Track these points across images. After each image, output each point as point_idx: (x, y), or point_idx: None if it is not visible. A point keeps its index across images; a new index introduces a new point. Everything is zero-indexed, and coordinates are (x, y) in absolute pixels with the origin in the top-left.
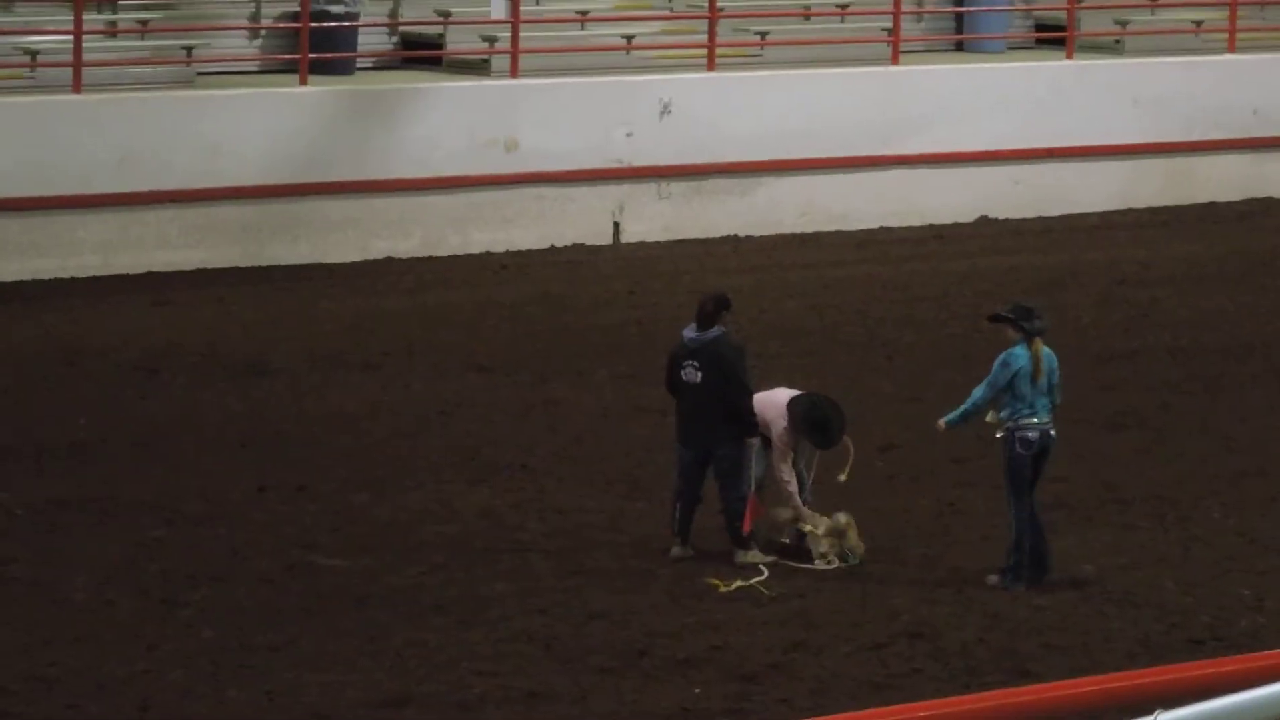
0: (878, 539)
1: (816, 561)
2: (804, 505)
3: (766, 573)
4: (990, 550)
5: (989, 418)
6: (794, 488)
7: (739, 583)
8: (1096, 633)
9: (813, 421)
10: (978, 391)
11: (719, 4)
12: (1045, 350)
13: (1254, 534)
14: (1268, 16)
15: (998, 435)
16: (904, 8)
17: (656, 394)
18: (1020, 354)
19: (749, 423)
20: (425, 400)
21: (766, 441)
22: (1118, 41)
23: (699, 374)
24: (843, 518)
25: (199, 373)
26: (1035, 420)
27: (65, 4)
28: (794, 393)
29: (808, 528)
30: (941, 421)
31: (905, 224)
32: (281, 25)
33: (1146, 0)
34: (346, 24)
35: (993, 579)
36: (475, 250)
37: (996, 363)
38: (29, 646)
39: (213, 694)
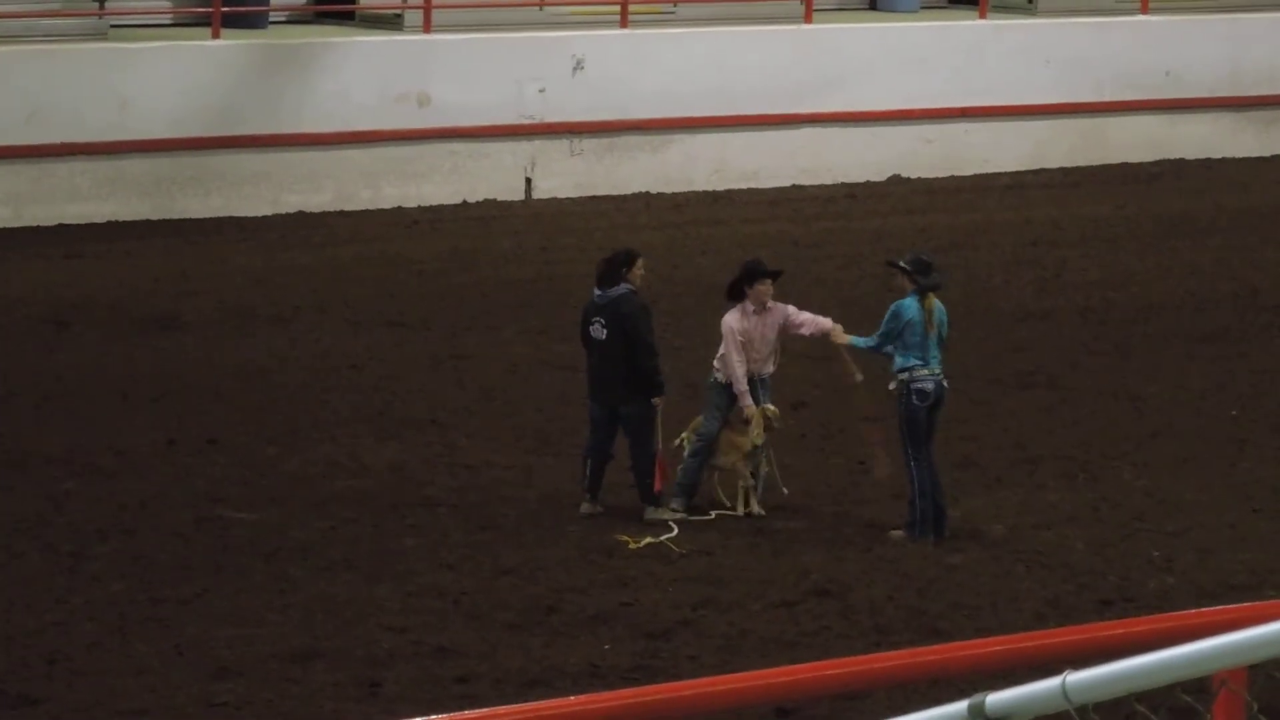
0: (789, 497)
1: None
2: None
3: (676, 530)
4: (901, 509)
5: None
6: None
7: (648, 539)
8: (1005, 593)
9: (749, 266)
10: (870, 340)
11: None
12: (937, 303)
13: (1163, 495)
14: None
15: (891, 388)
16: None
17: (566, 349)
18: (911, 305)
19: (655, 381)
20: (335, 355)
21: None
22: (1031, 1)
23: (604, 331)
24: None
25: (109, 326)
26: (928, 371)
27: None
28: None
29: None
30: (846, 338)
31: (817, 182)
32: None
33: None
34: None
35: (897, 534)
36: (387, 205)
37: (888, 313)
38: None
39: (121, 647)
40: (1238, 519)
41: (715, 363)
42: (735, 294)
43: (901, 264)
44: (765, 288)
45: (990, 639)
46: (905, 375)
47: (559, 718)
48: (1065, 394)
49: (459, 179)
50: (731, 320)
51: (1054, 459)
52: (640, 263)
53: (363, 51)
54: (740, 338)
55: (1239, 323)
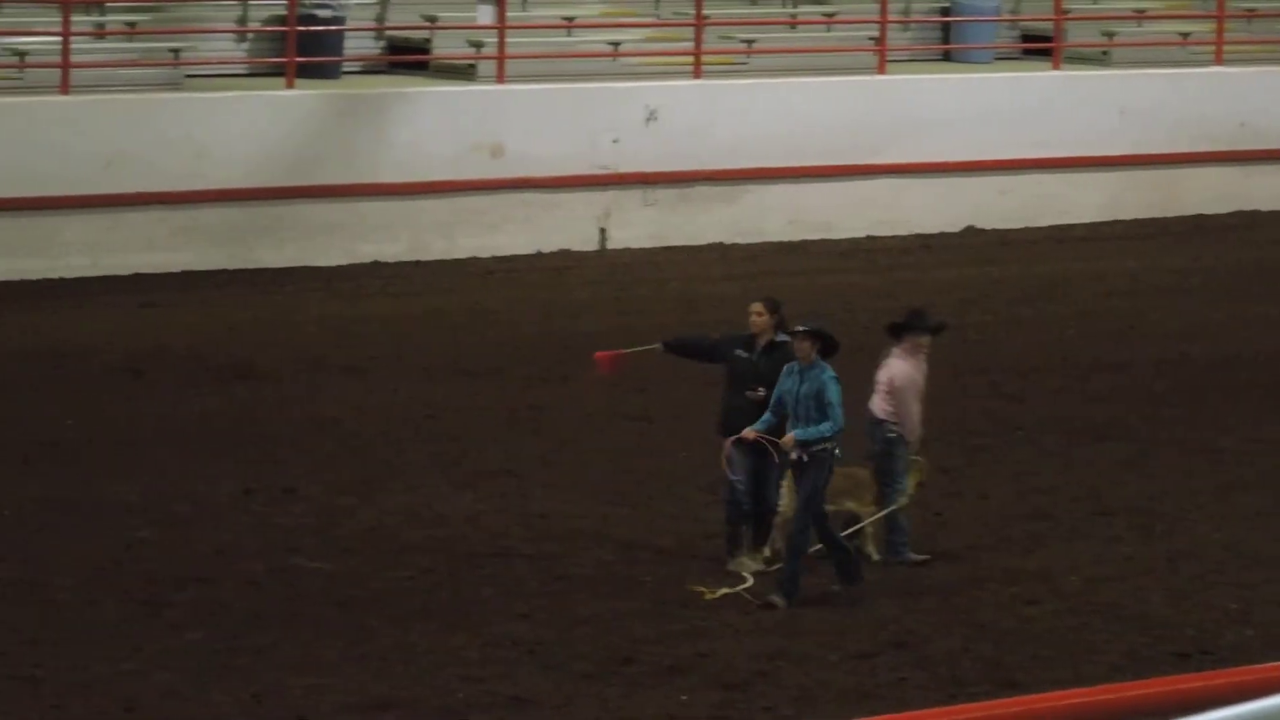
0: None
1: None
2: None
3: (751, 580)
4: (977, 559)
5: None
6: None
7: (724, 590)
8: (1082, 645)
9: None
10: (839, 415)
11: (705, 11)
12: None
13: (1239, 547)
14: (1254, 29)
15: (818, 450)
16: (890, 17)
17: (640, 401)
18: (828, 367)
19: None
20: (410, 404)
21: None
22: (1105, 53)
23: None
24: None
25: (185, 375)
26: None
27: (54, 5)
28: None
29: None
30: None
31: (892, 233)
32: (269, 28)
33: (1133, 12)
34: (333, 27)
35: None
36: (461, 255)
37: (835, 384)
38: (14, 647)
39: (197, 696)
40: None
41: (882, 413)
42: (896, 333)
43: (813, 329)
44: (925, 341)
45: (1068, 691)
46: (834, 441)
47: None
48: (1141, 446)
49: (533, 229)
50: (906, 369)
51: (1130, 511)
52: (751, 307)
53: (437, 102)
54: (915, 378)
55: None
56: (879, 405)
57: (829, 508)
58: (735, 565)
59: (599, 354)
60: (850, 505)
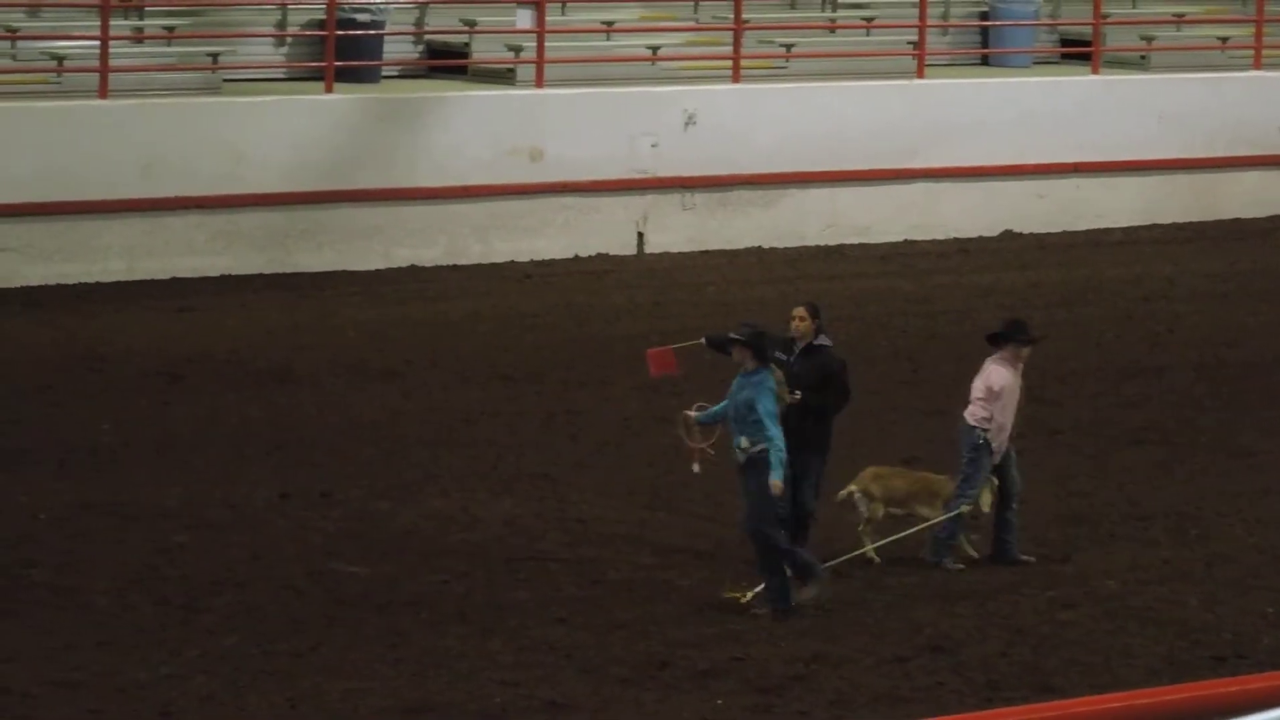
0: (900, 551)
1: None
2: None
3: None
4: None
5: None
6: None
7: (753, 591)
8: (1118, 649)
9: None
10: (772, 426)
11: (744, 15)
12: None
13: (1276, 551)
14: None
15: (756, 454)
16: (929, 21)
17: (678, 404)
18: (769, 375)
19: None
20: (448, 409)
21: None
22: (1143, 57)
23: None
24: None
25: (222, 379)
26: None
27: (92, 10)
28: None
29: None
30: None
31: (929, 237)
32: (307, 33)
33: (1172, 16)
34: (372, 32)
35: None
36: (499, 259)
37: (770, 396)
38: (51, 651)
39: (234, 700)
40: None
41: (974, 419)
42: (996, 341)
43: (743, 337)
44: (1025, 352)
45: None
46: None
47: None
48: (1177, 450)
49: (571, 233)
50: (1008, 376)
51: (1166, 515)
52: (794, 312)
53: (475, 106)
54: (1017, 388)
55: None
56: (972, 412)
57: (897, 512)
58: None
59: (650, 351)
60: (922, 510)
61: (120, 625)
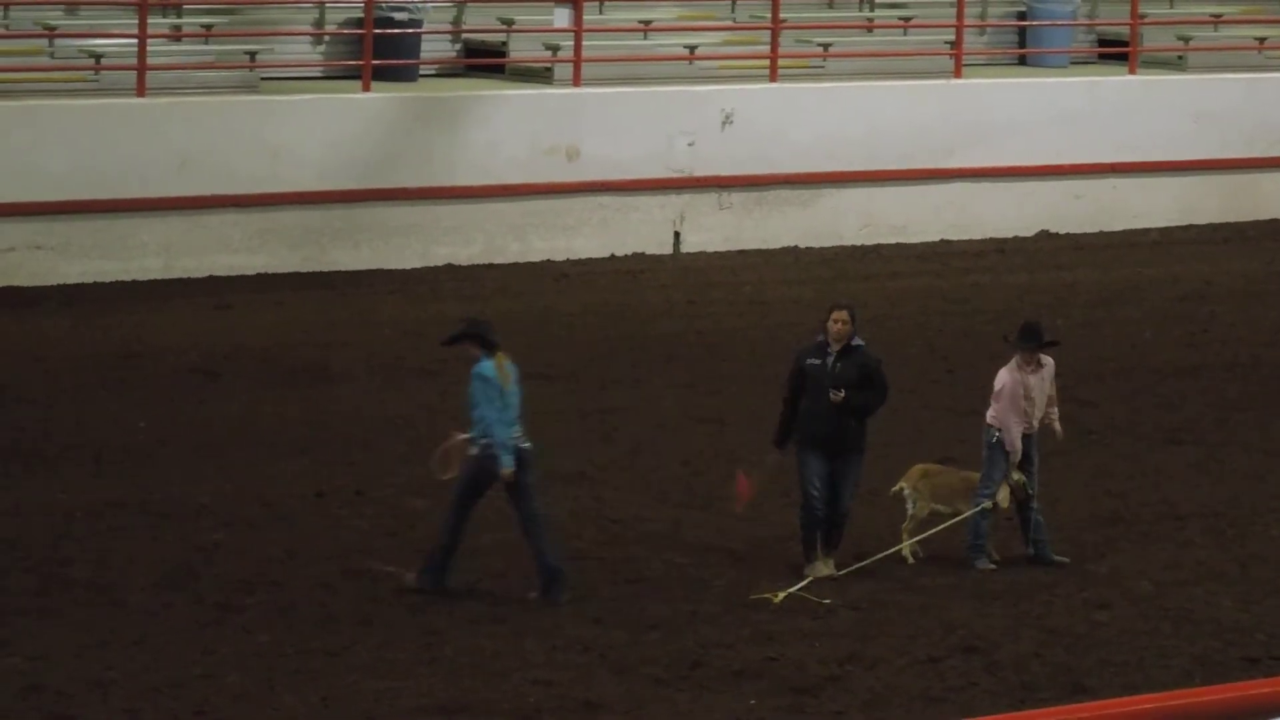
0: (935, 551)
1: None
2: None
3: (812, 578)
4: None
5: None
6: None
7: (786, 591)
8: (1153, 650)
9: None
10: (487, 413)
11: (781, 15)
12: (508, 362)
13: None
14: None
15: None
16: (967, 21)
17: (714, 404)
18: (489, 366)
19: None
20: None
21: None
22: (1180, 57)
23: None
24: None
25: (259, 377)
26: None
27: (130, 8)
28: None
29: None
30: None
31: (966, 237)
32: (345, 31)
33: (1209, 17)
34: (410, 30)
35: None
36: (536, 258)
37: (478, 382)
38: (86, 649)
39: (268, 699)
40: None
41: (989, 417)
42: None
43: (461, 333)
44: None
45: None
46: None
47: None
48: (1213, 450)
49: (607, 232)
50: (1011, 379)
51: (1201, 515)
52: (836, 315)
53: (512, 105)
54: (1019, 390)
55: None
56: (989, 412)
57: (940, 508)
58: (810, 570)
59: (741, 484)
60: (966, 508)
61: (155, 623)
